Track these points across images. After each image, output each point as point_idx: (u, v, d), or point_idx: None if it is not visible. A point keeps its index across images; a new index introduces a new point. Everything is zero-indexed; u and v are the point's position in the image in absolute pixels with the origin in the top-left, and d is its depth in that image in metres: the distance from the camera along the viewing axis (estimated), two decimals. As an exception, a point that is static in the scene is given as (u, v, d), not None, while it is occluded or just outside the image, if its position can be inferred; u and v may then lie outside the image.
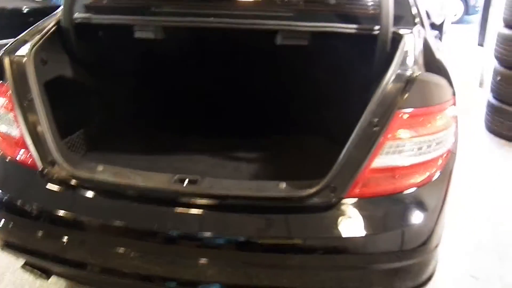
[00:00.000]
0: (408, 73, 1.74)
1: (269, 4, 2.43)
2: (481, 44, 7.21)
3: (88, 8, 2.40)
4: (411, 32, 2.04)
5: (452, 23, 10.01)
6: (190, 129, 2.76)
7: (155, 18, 2.26)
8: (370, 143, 1.71)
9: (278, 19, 2.17)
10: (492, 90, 4.64)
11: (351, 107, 2.09)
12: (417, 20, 2.20)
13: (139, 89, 2.70)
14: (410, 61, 1.82)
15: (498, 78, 4.51)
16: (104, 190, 1.91)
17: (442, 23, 7.76)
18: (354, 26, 2.09)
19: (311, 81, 2.55)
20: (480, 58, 6.15)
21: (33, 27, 2.25)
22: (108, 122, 2.64)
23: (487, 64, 5.44)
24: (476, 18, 9.03)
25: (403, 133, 1.73)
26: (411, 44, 1.94)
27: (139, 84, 2.67)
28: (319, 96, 2.53)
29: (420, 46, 1.95)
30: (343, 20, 2.14)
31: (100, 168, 1.99)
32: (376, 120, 1.71)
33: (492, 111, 4.61)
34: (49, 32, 2.21)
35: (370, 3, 2.27)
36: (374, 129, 1.71)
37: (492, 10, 5.82)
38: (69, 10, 2.23)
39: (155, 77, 2.72)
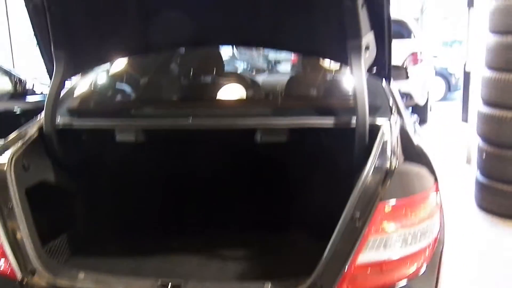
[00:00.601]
0: (387, 164, 1.75)
1: (247, 102, 2.49)
2: (465, 120, 7.36)
3: (69, 112, 2.45)
4: (388, 122, 2.07)
5: (436, 100, 10.27)
6: (174, 228, 2.73)
7: (135, 122, 2.31)
8: (354, 238, 1.69)
9: (257, 117, 2.21)
10: (479, 167, 4.67)
11: (333, 200, 2.08)
12: (393, 109, 2.24)
13: (122, 191, 2.69)
14: (388, 152, 1.83)
15: (483, 155, 4.55)
16: None
17: (426, 103, 8.03)
18: (332, 120, 2.13)
19: (293, 174, 2.56)
20: (465, 135, 6.24)
21: (16, 133, 2.27)
22: (91, 225, 2.61)
23: (472, 140, 5.52)
24: (459, 94, 9.29)
25: (386, 225, 1.71)
26: (389, 134, 1.96)
27: (122, 186, 2.66)
28: (301, 189, 2.53)
29: (397, 136, 1.97)
30: (320, 114, 2.19)
31: (81, 276, 1.95)
32: (358, 214, 1.69)
33: (482, 188, 4.61)
34: (31, 138, 2.23)
35: (346, 96, 2.33)
36: (357, 224, 1.69)
37: (471, 88, 5.99)
38: (51, 116, 2.26)
39: (137, 178, 2.72)
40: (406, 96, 6.72)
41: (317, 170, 2.40)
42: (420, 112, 7.73)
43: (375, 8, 1.90)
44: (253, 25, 2.20)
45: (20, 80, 5.49)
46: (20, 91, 5.51)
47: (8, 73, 5.53)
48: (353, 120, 2.05)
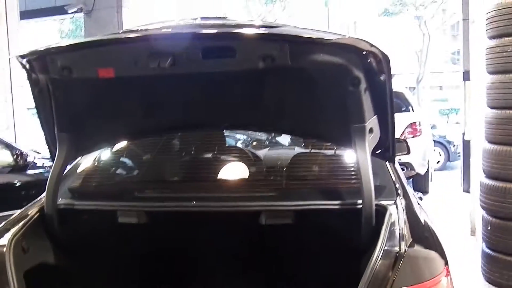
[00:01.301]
0: (396, 249, 1.71)
1: (252, 185, 2.48)
2: (466, 190, 7.34)
3: (71, 193, 2.43)
4: (395, 203, 2.05)
5: (435, 170, 10.28)
6: None
7: (137, 204, 2.29)
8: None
9: (261, 200, 2.20)
10: (485, 240, 4.59)
11: (339, 282, 2.03)
12: (399, 189, 2.22)
13: (123, 272, 2.63)
14: (397, 235, 1.80)
15: (489, 227, 4.48)
16: None
17: (427, 172, 8.03)
18: (337, 201, 2.11)
19: (298, 255, 2.51)
20: (467, 205, 6.19)
21: (17, 214, 2.24)
22: None
23: (476, 211, 5.46)
24: (459, 163, 9.31)
25: (397, 315, 1.65)
26: (396, 216, 1.94)
27: (123, 266, 2.60)
28: (307, 270, 2.47)
29: (405, 218, 1.95)
30: (325, 196, 2.17)
31: None
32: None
33: (489, 261, 4.51)
34: (32, 219, 2.20)
35: (350, 177, 2.33)
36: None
37: (472, 159, 5.99)
38: (52, 197, 2.24)
39: (139, 259, 2.67)
40: (407, 166, 6.72)
41: (323, 251, 2.35)
42: (421, 182, 7.72)
43: (378, 92, 1.92)
44: (255, 110, 2.22)
45: (21, 153, 5.51)
46: (21, 164, 5.52)
47: (9, 147, 5.56)
48: (359, 202, 2.03)
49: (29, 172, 5.51)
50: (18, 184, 5.38)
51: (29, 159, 5.57)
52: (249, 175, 2.77)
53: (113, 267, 2.58)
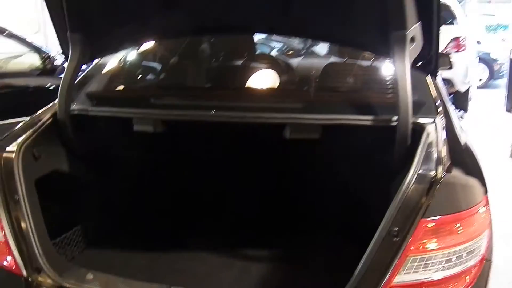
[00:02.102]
0: (432, 173, 1.53)
1: (277, 95, 2.28)
2: (509, 110, 6.99)
3: (85, 98, 2.29)
4: (434, 122, 1.84)
5: (477, 87, 9.83)
6: (191, 225, 2.59)
7: (154, 111, 2.13)
8: (390, 256, 1.49)
9: (287, 111, 2.00)
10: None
11: (368, 204, 1.87)
12: (440, 107, 2.00)
13: (138, 183, 2.55)
14: (433, 158, 1.61)
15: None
16: None
17: (468, 90, 7.65)
18: (369, 117, 1.90)
19: (324, 174, 2.36)
20: (509, 125, 5.89)
21: (28, 119, 2.13)
22: (105, 218, 2.48)
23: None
24: (502, 82, 8.85)
25: (428, 244, 1.50)
26: (434, 136, 1.73)
27: (138, 178, 2.52)
28: (332, 190, 2.32)
29: (444, 139, 1.74)
30: (357, 110, 1.96)
31: (89, 276, 1.82)
32: (396, 229, 1.49)
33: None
34: (44, 125, 2.09)
35: (386, 91, 2.10)
36: (394, 239, 1.49)
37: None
38: (65, 101, 2.11)
39: (155, 170, 2.57)
40: (447, 82, 6.39)
41: (350, 171, 2.19)
42: (461, 100, 7.37)
43: None
44: (288, 13, 1.97)
45: (49, 56, 5.39)
46: (49, 67, 5.42)
47: (38, 50, 5.43)
48: (394, 118, 1.83)
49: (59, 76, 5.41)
50: (49, 87, 5.31)
51: (57, 62, 5.45)
52: (277, 85, 2.57)
53: (128, 178, 2.50)
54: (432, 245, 1.50)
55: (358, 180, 2.15)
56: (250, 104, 2.12)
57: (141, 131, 2.13)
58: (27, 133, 2.00)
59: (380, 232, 1.51)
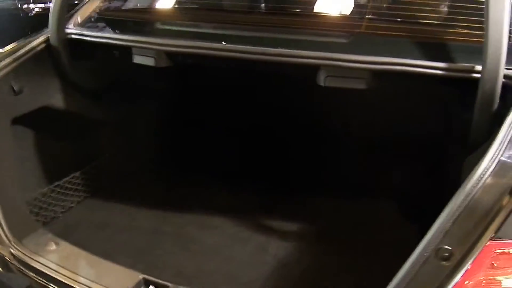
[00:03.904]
0: None
1: (309, 23, 1.67)
2: None
3: (81, 22, 1.85)
4: None
5: None
6: (205, 184, 2.17)
7: (155, 41, 1.62)
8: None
9: (322, 48, 1.40)
10: None
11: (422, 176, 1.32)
12: None
13: (141, 122, 2.17)
14: None
15: None
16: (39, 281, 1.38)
17: None
18: (442, 63, 1.27)
19: (368, 129, 1.80)
20: None
21: (14, 45, 1.75)
22: (112, 161, 2.13)
23: None
24: None
25: (497, 279, 0.93)
26: None
27: (142, 116, 2.13)
28: (378, 151, 1.78)
29: None
30: (421, 52, 1.33)
31: (51, 247, 1.49)
32: (448, 249, 0.93)
33: None
34: (30, 53, 1.71)
35: (469, 26, 1.43)
36: (443, 264, 0.94)
37: None
38: (57, 24, 1.70)
39: (166, 108, 2.16)
40: None
41: (407, 138, 1.61)
42: None
43: None
44: None
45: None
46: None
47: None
48: (477, 67, 1.22)
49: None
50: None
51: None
52: (311, 8, 1.93)
53: (129, 115, 2.11)
54: (506, 282, 0.93)
55: (414, 150, 1.58)
56: (272, 34, 1.54)
57: (142, 64, 1.68)
58: (3, 63, 1.62)
59: (422, 249, 0.96)
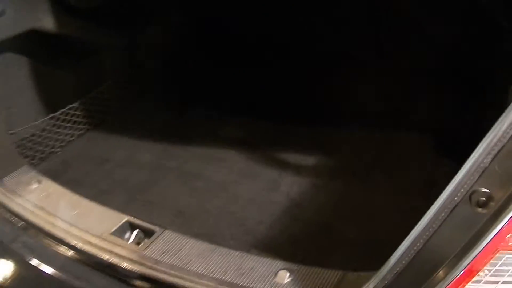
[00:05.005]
0: None
1: None
2: None
3: None
4: None
5: None
6: (216, 108, 1.98)
7: None
8: (463, 242, 0.74)
9: None
10: None
11: None
12: None
13: (153, 47, 1.96)
14: None
15: None
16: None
17: None
18: None
19: (394, 46, 1.56)
20: None
21: None
22: (114, 90, 1.96)
23: None
24: None
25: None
26: None
27: (154, 41, 1.92)
28: (406, 76, 1.55)
29: None
30: None
31: (32, 185, 1.34)
32: (485, 192, 0.72)
33: None
34: None
35: None
36: (479, 211, 0.73)
37: None
38: None
39: (170, 34, 1.95)
40: None
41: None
42: None
43: None
44: None
45: None
46: None
47: None
48: None
49: None
50: None
51: None
52: None
53: (130, 39, 1.92)
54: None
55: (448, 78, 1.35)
56: None
57: None
58: None
59: (451, 192, 0.75)
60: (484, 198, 0.73)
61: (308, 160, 1.62)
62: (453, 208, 0.74)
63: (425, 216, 0.77)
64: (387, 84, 1.78)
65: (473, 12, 1.43)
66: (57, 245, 1.15)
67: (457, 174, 0.74)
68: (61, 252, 1.14)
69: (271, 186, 1.50)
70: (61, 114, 1.77)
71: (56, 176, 1.53)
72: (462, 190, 0.73)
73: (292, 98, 1.93)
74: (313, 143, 1.71)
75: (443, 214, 0.75)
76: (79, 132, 1.85)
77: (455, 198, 0.74)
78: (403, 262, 0.80)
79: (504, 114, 0.73)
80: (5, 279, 1.13)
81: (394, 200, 1.39)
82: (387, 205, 1.38)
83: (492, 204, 0.72)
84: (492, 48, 1.44)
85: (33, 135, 1.67)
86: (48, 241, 1.16)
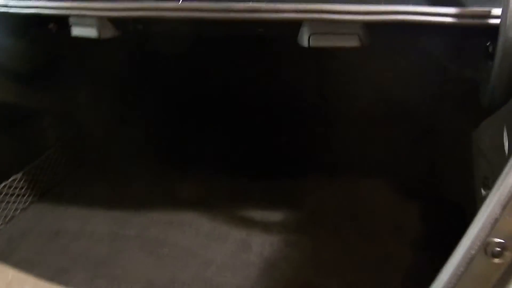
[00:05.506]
0: None
1: None
2: None
3: None
4: None
5: None
6: (171, 166, 1.91)
7: (96, 5, 1.31)
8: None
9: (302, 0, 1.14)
10: None
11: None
12: None
13: (100, 106, 1.90)
14: None
15: None
16: None
17: None
18: (450, 9, 1.03)
19: (363, 96, 1.59)
20: None
21: None
22: (59, 156, 1.84)
23: None
24: None
25: None
26: None
27: (99, 99, 1.86)
28: (376, 123, 1.57)
29: None
30: None
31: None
32: (500, 243, 0.72)
33: None
34: None
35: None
36: (495, 261, 0.72)
37: None
38: None
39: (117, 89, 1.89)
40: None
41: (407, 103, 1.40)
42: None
43: None
44: None
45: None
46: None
47: None
48: (495, 12, 0.99)
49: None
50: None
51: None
52: None
53: (73, 100, 1.84)
54: None
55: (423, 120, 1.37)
56: None
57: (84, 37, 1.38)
58: None
59: (467, 244, 0.74)
60: (498, 249, 0.72)
61: (275, 216, 1.58)
62: (470, 261, 0.73)
63: (442, 272, 0.76)
64: (342, 132, 1.80)
65: (422, 59, 1.48)
66: None
67: (471, 227, 0.74)
68: None
69: (242, 247, 1.45)
70: (3, 188, 1.64)
71: (3, 257, 1.39)
72: (478, 243, 0.73)
73: (248, 154, 1.91)
74: (276, 198, 1.68)
75: (461, 269, 0.73)
76: (23, 206, 1.71)
77: (472, 251, 0.73)
78: None
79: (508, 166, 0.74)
80: None
81: (368, 248, 1.38)
82: (362, 253, 1.37)
83: (507, 253, 0.72)
84: (443, 91, 1.49)
85: None
86: None
